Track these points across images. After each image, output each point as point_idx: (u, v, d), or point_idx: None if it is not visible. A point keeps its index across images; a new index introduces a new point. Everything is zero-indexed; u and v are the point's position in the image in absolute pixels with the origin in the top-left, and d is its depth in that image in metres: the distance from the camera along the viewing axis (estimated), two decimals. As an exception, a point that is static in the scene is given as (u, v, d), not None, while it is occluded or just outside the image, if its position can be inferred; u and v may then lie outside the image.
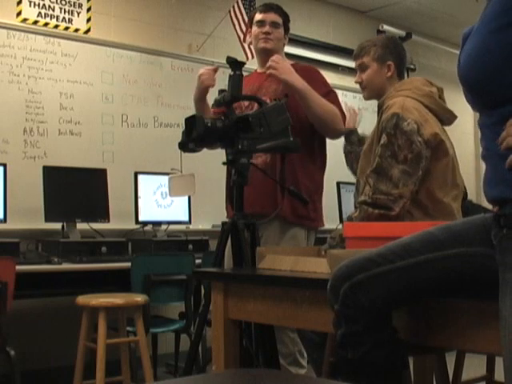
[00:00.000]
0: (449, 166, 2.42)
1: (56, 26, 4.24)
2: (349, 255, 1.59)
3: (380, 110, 2.51)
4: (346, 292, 1.48)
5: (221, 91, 2.54)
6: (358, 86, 2.73)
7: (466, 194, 3.12)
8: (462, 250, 1.42)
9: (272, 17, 3.07)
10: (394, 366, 1.49)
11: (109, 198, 4.02)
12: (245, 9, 4.55)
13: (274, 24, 3.07)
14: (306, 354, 2.92)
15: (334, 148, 5.61)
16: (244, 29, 4.53)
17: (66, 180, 3.91)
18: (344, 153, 3.00)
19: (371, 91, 2.63)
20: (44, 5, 4.20)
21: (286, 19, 3.13)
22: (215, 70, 2.98)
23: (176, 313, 3.78)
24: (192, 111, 2.88)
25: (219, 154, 2.63)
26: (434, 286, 1.48)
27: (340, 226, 4.32)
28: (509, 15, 1.31)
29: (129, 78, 4.54)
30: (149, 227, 4.23)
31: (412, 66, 6.29)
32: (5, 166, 3.69)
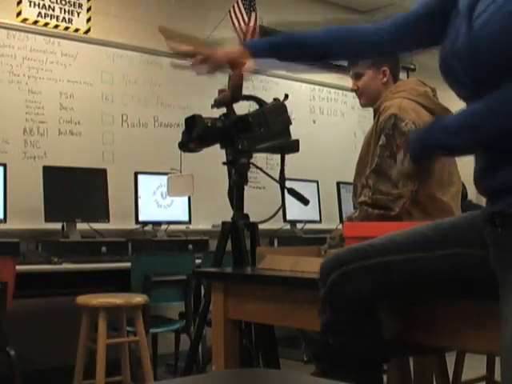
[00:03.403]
0: (446, 164, 2.43)
1: (56, 26, 4.24)
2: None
3: (376, 113, 2.52)
4: (334, 280, 1.49)
5: (221, 91, 2.54)
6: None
7: (465, 194, 3.12)
8: (451, 250, 1.42)
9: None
10: (371, 360, 1.50)
11: (109, 198, 4.02)
12: (245, 9, 4.55)
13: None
14: None
15: (334, 148, 5.63)
16: (244, 29, 4.53)
17: (65, 180, 3.91)
18: None
19: (367, 98, 2.63)
20: (44, 5, 4.20)
21: None
22: None
23: (176, 313, 3.78)
24: (192, 111, 2.88)
25: (219, 154, 2.63)
26: (420, 283, 1.48)
27: (340, 226, 4.33)
28: None
29: (129, 78, 4.54)
30: (149, 227, 4.23)
31: (412, 66, 6.29)
32: (5, 165, 3.69)
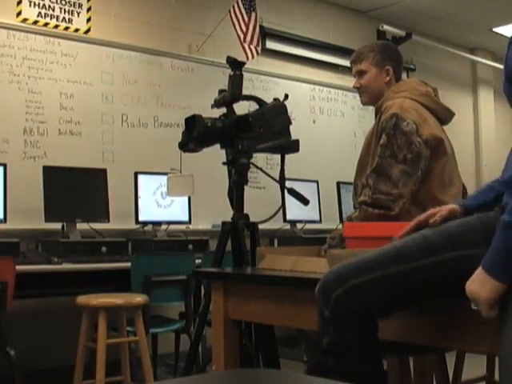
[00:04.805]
0: (447, 164, 2.43)
1: (56, 26, 4.24)
2: (349, 255, 1.59)
3: (378, 112, 2.51)
4: (338, 297, 1.46)
5: (221, 91, 2.54)
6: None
7: (465, 194, 3.13)
8: (458, 253, 1.41)
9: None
10: (376, 379, 1.48)
11: (109, 198, 4.02)
12: (245, 9, 4.55)
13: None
14: None
15: (334, 148, 5.63)
16: (244, 29, 4.53)
17: (66, 180, 3.91)
18: None
19: (369, 96, 2.62)
20: (44, 5, 4.20)
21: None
22: None
23: (176, 313, 3.78)
24: (192, 111, 2.89)
25: (219, 154, 2.63)
26: (429, 291, 1.46)
27: (340, 226, 4.33)
28: None
29: (129, 78, 4.54)
30: (149, 227, 4.23)
31: (412, 66, 6.29)
32: (5, 165, 3.68)
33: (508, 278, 1.30)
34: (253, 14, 4.58)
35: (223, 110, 2.55)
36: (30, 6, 4.14)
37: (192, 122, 2.43)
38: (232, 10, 4.54)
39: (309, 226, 5.01)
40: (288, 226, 4.94)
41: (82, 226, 3.87)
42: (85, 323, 3.11)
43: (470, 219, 1.49)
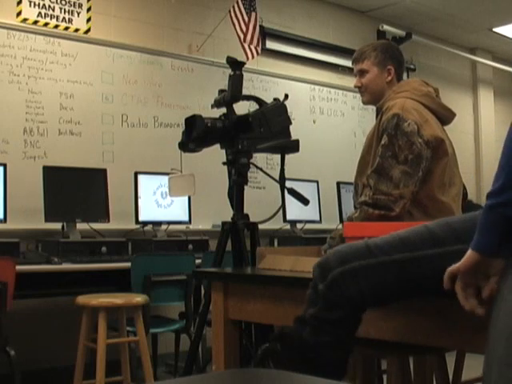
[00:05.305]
0: (447, 165, 2.43)
1: (56, 26, 4.24)
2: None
3: (379, 112, 2.51)
4: (335, 276, 1.45)
5: (221, 91, 2.54)
6: (357, 87, 2.72)
7: (466, 194, 3.13)
8: (461, 247, 1.40)
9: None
10: (340, 369, 1.47)
11: (109, 198, 4.02)
12: (245, 9, 4.55)
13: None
14: None
15: (334, 148, 5.63)
16: (244, 29, 4.53)
17: (66, 180, 3.91)
18: None
19: (370, 95, 2.62)
20: (44, 5, 4.20)
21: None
22: None
23: (176, 313, 3.78)
24: (192, 111, 2.88)
25: (219, 154, 2.63)
26: (429, 283, 1.46)
27: (340, 226, 4.33)
28: None
29: (129, 78, 4.54)
30: (149, 227, 4.23)
31: (412, 66, 6.29)
32: (5, 165, 3.68)
33: (476, 246, 1.32)
34: (253, 14, 4.58)
35: (223, 110, 2.55)
36: (30, 6, 4.14)
37: (192, 121, 2.43)
38: (232, 10, 4.54)
39: (309, 226, 5.01)
40: (288, 226, 4.94)
41: (82, 225, 3.87)
42: (85, 323, 3.11)
43: (473, 215, 1.48)
